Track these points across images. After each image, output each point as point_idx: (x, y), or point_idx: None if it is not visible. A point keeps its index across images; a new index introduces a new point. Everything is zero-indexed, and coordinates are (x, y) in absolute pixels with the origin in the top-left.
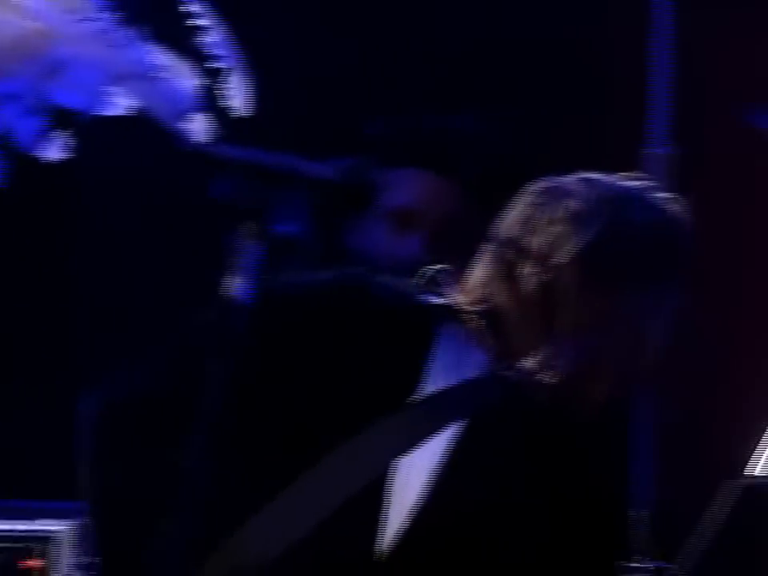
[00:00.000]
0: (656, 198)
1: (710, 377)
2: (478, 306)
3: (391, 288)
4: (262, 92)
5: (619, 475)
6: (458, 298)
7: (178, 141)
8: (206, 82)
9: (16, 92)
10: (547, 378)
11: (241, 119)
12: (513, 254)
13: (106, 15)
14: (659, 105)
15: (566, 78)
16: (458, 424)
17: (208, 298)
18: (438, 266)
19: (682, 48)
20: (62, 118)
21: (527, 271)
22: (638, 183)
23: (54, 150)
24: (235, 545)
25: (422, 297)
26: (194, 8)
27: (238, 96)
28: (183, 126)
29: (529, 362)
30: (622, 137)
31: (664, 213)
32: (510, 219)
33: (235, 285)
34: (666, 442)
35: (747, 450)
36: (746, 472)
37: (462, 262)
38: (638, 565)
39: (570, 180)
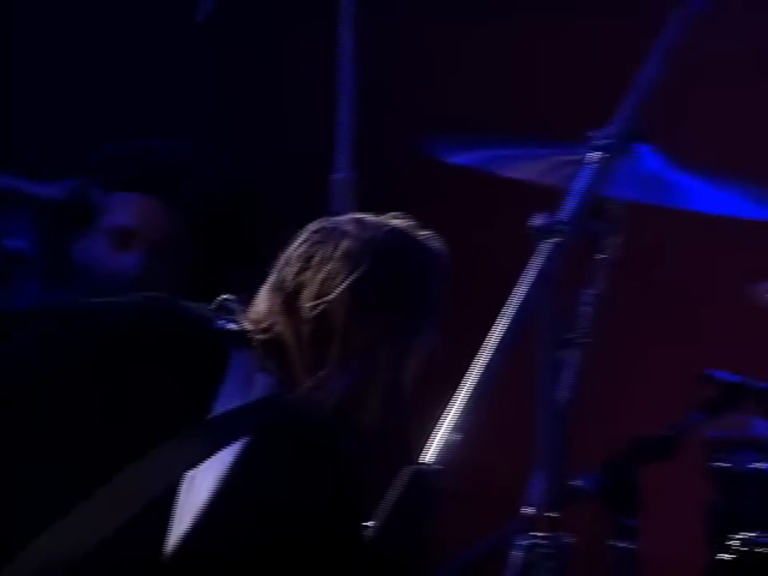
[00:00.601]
0: (418, 236)
1: None
2: (262, 334)
3: (188, 313)
4: None
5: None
6: (246, 325)
7: None
8: None
9: None
10: (322, 401)
11: None
12: (292, 287)
13: None
14: (344, 134)
15: (259, 114)
16: (242, 441)
17: None
18: (230, 295)
19: (365, 81)
20: None
21: (304, 305)
22: (403, 223)
23: None
24: (38, 548)
25: (216, 323)
26: None
27: None
28: None
29: (307, 387)
30: (311, 164)
31: (425, 250)
32: (290, 255)
33: None
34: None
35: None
36: (420, 459)
37: (176, 280)
38: None
39: (343, 220)
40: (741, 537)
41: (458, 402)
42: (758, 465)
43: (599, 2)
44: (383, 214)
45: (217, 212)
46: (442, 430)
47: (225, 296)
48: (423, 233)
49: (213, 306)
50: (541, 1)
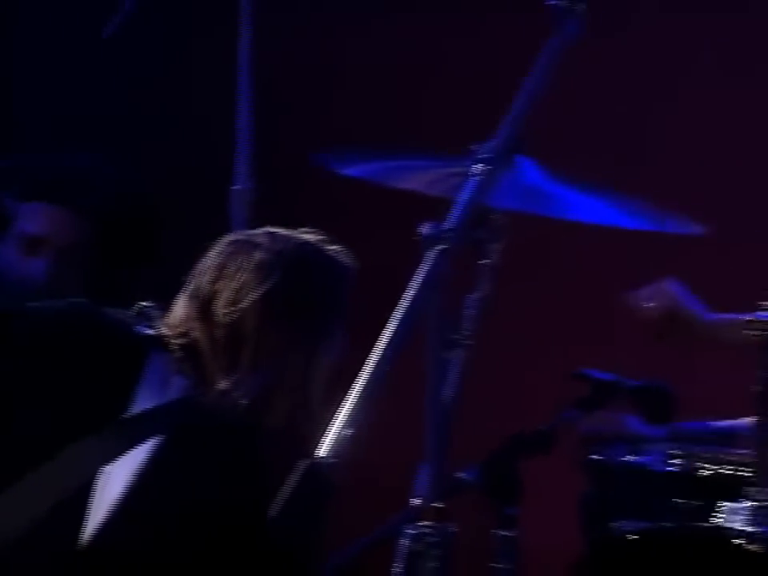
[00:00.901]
0: (327, 250)
1: None
2: (179, 338)
3: (107, 318)
4: None
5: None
6: (164, 330)
7: None
8: None
9: None
10: (234, 403)
11: None
12: (207, 295)
13: None
14: (243, 146)
15: (168, 122)
16: (156, 439)
17: None
18: (148, 302)
19: (264, 94)
20: None
21: (218, 312)
22: (313, 237)
23: None
24: None
25: (135, 328)
26: None
27: None
28: None
29: (220, 389)
30: (214, 175)
31: (333, 263)
32: (205, 265)
33: None
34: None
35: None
36: (317, 453)
37: (82, 284)
38: None
39: (257, 233)
40: (612, 525)
41: (351, 399)
42: (628, 458)
43: (481, 19)
44: (281, 225)
45: (120, 220)
46: (335, 426)
47: (144, 303)
48: (332, 247)
49: (133, 312)
50: (425, 17)
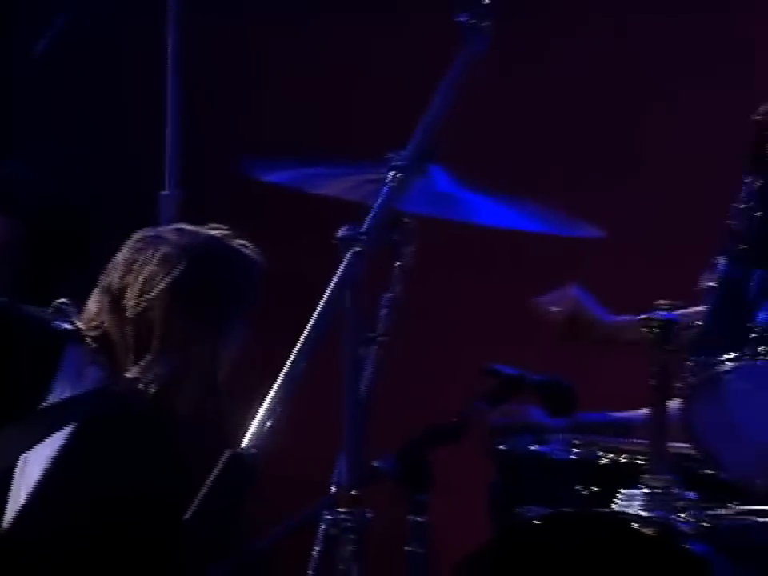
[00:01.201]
0: (233, 244)
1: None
2: (92, 332)
3: (24, 315)
4: None
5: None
6: (79, 324)
7: None
8: None
9: None
10: (145, 390)
11: None
12: (117, 289)
13: None
14: (172, 154)
15: (103, 126)
16: (71, 427)
17: None
18: (64, 300)
19: (191, 104)
20: None
21: (128, 304)
22: (219, 233)
23: None
24: None
25: (52, 323)
26: None
27: None
28: None
29: (130, 377)
30: (142, 180)
31: (238, 256)
32: (116, 261)
33: None
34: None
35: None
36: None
37: (12, 281)
38: None
39: (166, 229)
40: (518, 510)
41: (273, 393)
42: (533, 447)
43: (401, 38)
44: (205, 226)
45: (48, 222)
46: (258, 418)
47: (61, 300)
48: (238, 241)
49: (51, 308)
50: (349, 30)
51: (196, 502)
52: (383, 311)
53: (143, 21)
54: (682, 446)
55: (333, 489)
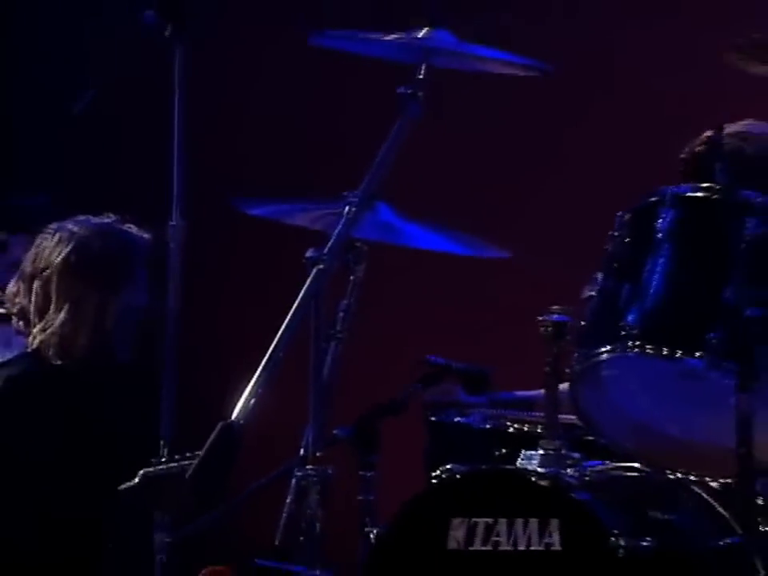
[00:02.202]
0: (121, 227)
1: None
2: (14, 309)
3: None
4: None
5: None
6: (5, 306)
7: None
8: None
9: None
10: (48, 338)
11: None
12: (28, 273)
13: None
14: (179, 192)
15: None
16: (5, 381)
17: None
18: None
19: (192, 146)
20: None
21: (36, 283)
22: (111, 218)
23: None
24: None
25: None
26: None
27: None
28: None
29: (36, 330)
30: (152, 213)
31: (124, 235)
32: (29, 253)
33: None
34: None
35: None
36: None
37: None
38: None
39: (65, 221)
40: (445, 468)
41: (256, 377)
42: (457, 419)
43: (356, 105)
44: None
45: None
46: (244, 397)
47: None
48: (127, 225)
49: None
50: (323, 97)
51: (196, 462)
52: (340, 314)
53: (152, 80)
54: (570, 418)
55: (302, 451)
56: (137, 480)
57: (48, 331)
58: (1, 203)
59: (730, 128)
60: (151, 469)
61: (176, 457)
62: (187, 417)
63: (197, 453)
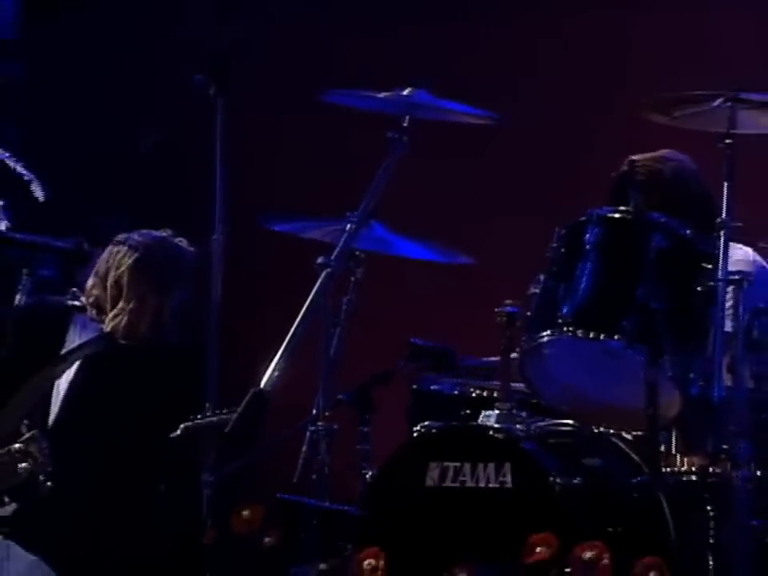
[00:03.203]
0: (175, 240)
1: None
2: (90, 300)
3: (47, 299)
4: None
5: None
6: (83, 299)
7: None
8: (2, 202)
9: None
10: (118, 323)
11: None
12: (102, 272)
13: None
14: (220, 211)
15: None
16: (79, 362)
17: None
18: (74, 289)
19: (231, 174)
20: None
21: (109, 279)
22: (166, 232)
23: None
24: None
25: (65, 301)
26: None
27: (36, 191)
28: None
29: (110, 316)
30: (200, 226)
31: (176, 248)
32: (103, 256)
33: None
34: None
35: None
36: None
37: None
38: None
39: (132, 233)
40: (422, 424)
41: (279, 354)
42: (433, 386)
43: (357, 142)
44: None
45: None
46: (270, 369)
47: (74, 289)
48: (179, 239)
49: (68, 294)
50: (328, 130)
51: (233, 420)
52: (344, 307)
53: (200, 125)
54: (520, 385)
55: (314, 411)
56: (178, 431)
57: (118, 319)
58: (88, 222)
59: (651, 154)
60: (190, 423)
61: (210, 413)
62: (227, 384)
63: (226, 410)
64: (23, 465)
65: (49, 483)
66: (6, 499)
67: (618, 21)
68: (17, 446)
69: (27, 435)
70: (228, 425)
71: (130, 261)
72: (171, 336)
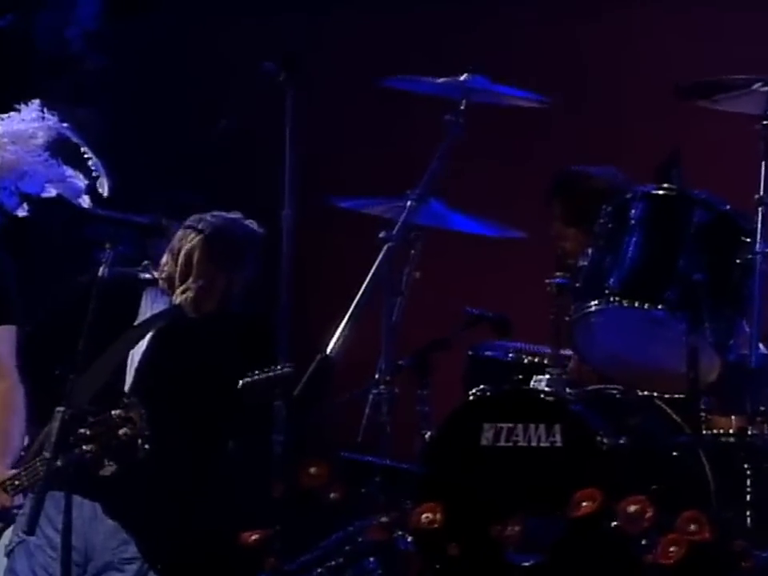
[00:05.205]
0: (244, 221)
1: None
2: (163, 275)
3: (125, 271)
4: None
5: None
6: (156, 274)
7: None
8: (88, 181)
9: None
10: (187, 297)
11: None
12: (175, 248)
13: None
14: (290, 187)
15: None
16: (152, 331)
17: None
18: (146, 262)
19: (300, 155)
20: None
21: (180, 255)
22: (236, 214)
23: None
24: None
25: (138, 274)
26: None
27: (101, 187)
28: (79, 201)
29: (180, 290)
30: (271, 202)
31: (245, 227)
32: (177, 234)
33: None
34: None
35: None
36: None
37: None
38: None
39: (204, 214)
40: (479, 387)
41: (344, 321)
42: (488, 353)
43: (418, 126)
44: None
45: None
46: (336, 336)
47: (146, 262)
48: (249, 221)
49: (140, 266)
50: (389, 118)
51: (301, 383)
52: (404, 278)
53: (271, 111)
54: (568, 352)
55: (377, 375)
56: (239, 386)
57: (186, 294)
58: (170, 198)
59: (575, 167)
60: (248, 378)
61: (267, 370)
62: (297, 350)
63: (282, 367)
64: (123, 429)
65: (146, 446)
66: (107, 462)
67: (654, 13)
68: (117, 411)
69: (127, 401)
70: (285, 380)
71: (200, 241)
72: (236, 307)
